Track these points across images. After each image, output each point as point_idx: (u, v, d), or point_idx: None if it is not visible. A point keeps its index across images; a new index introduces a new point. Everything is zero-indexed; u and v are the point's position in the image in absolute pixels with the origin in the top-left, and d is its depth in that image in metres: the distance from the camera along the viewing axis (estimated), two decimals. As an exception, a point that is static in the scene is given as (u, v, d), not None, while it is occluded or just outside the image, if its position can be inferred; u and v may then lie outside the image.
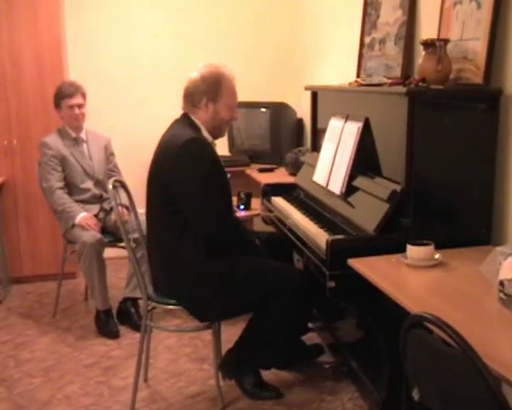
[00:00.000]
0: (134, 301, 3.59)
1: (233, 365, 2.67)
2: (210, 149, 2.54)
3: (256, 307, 2.55)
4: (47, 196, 3.65)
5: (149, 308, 2.68)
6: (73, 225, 3.49)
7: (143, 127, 4.76)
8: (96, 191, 3.67)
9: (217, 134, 2.64)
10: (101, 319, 3.51)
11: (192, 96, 2.56)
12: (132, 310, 3.58)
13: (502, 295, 1.62)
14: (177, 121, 2.65)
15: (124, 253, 3.47)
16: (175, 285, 2.55)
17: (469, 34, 2.36)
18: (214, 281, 2.50)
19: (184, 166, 2.43)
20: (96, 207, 3.67)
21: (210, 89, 2.53)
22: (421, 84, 2.32)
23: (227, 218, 2.55)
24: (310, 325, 3.36)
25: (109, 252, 3.70)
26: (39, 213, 4.25)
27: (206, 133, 2.58)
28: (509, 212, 2.23)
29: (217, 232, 2.48)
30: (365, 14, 3.32)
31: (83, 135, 3.73)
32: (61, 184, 3.59)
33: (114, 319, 3.54)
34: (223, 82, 2.54)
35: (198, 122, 2.58)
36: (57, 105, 3.66)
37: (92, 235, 3.43)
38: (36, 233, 4.30)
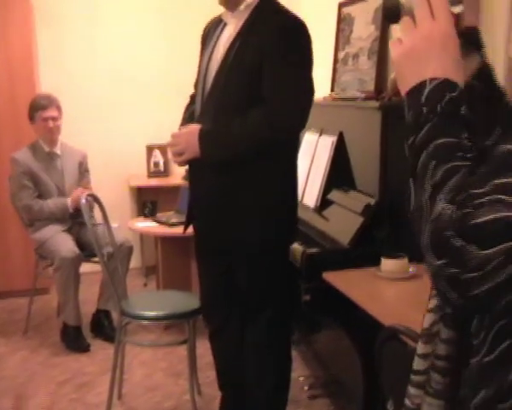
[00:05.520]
0: (107, 313, 3.59)
1: None
2: None
3: None
4: (25, 214, 3.60)
5: (123, 323, 2.65)
6: (71, 214, 3.55)
7: (118, 140, 4.73)
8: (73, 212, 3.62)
9: None
10: (70, 335, 3.47)
11: None
12: (105, 323, 3.58)
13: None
14: None
15: (97, 268, 3.44)
16: None
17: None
18: None
19: None
20: (68, 223, 3.62)
21: None
22: (394, 98, 2.36)
23: None
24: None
25: (82, 267, 3.65)
26: (11, 227, 4.17)
27: None
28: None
29: None
30: (339, 29, 3.36)
31: (57, 149, 3.68)
32: (35, 195, 3.57)
33: (83, 335, 3.50)
34: None
35: None
36: (31, 118, 3.61)
37: (70, 249, 3.39)
38: (7, 248, 4.22)
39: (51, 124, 3.58)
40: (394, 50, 0.82)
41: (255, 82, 2.00)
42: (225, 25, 2.16)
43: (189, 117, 2.28)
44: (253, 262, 2.16)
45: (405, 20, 0.81)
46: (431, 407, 0.85)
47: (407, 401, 0.87)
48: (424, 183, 0.74)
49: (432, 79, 0.77)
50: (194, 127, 2.10)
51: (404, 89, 0.80)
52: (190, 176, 2.29)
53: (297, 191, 2.27)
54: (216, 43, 2.17)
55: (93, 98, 4.68)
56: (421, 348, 0.86)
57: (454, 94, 0.77)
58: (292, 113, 2.04)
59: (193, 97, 2.34)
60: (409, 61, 0.79)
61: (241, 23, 2.08)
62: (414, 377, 0.87)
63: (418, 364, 0.86)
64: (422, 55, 0.78)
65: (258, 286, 2.19)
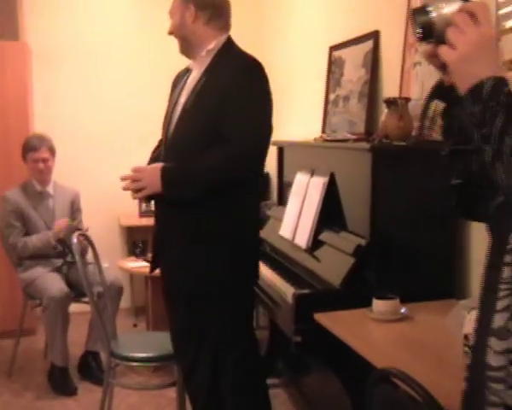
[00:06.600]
0: (95, 354, 3.52)
1: None
2: None
3: None
4: (12, 252, 3.58)
5: (112, 365, 2.60)
6: (60, 252, 3.52)
7: (109, 179, 4.72)
8: (59, 246, 3.60)
9: None
10: (56, 376, 3.39)
11: None
12: (93, 364, 3.51)
13: (466, 348, 1.63)
14: None
15: (86, 308, 3.39)
16: None
17: (429, 93, 2.44)
18: None
19: None
20: (58, 262, 3.59)
21: None
22: (383, 140, 2.38)
23: None
24: (275, 380, 3.31)
25: (71, 307, 3.60)
26: (-3, 267, 4.12)
27: None
28: (470, 265, 2.26)
29: None
30: (330, 71, 3.42)
31: (49, 189, 3.69)
32: (22, 234, 3.55)
33: (71, 377, 3.42)
34: None
35: None
36: (24, 158, 3.64)
37: (59, 288, 3.36)
38: (-7, 288, 4.16)
39: (41, 166, 3.60)
40: (449, 56, 0.94)
41: (217, 123, 2.04)
42: (191, 72, 2.25)
43: (154, 159, 2.32)
44: (214, 305, 2.16)
45: (452, 29, 0.93)
46: None
47: (493, 398, 0.93)
48: None
49: (487, 78, 0.91)
50: (157, 164, 2.15)
51: (463, 88, 0.94)
52: (155, 215, 2.32)
53: (258, 233, 2.31)
54: (182, 89, 2.24)
55: (85, 138, 4.70)
56: (498, 345, 0.94)
57: (507, 87, 0.91)
58: (251, 148, 2.07)
59: (161, 141, 2.39)
60: (465, 64, 0.93)
61: (203, 68, 2.16)
62: (494, 374, 0.94)
63: (498, 360, 0.94)
64: (476, 58, 0.92)
65: (221, 329, 2.18)
